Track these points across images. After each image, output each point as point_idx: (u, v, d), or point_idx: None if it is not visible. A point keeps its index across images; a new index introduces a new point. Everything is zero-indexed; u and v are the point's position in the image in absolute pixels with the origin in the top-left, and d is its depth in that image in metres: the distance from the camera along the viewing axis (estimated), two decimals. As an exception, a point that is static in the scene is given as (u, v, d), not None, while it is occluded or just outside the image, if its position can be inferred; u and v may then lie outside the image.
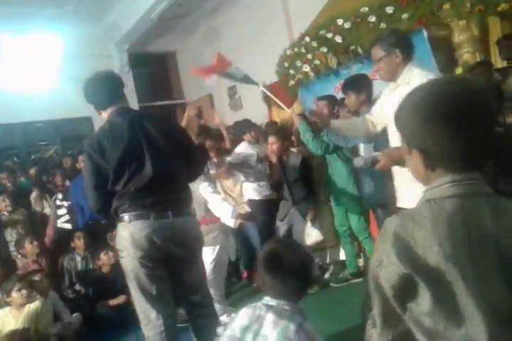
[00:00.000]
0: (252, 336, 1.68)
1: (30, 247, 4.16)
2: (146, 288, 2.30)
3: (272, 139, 4.24)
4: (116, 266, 4.23)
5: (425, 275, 0.93)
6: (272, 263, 1.72)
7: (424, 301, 0.95)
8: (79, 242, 4.41)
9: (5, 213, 4.59)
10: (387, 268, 0.97)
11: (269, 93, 4.02)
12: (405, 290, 0.96)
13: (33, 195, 5.12)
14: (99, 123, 8.92)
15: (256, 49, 7.06)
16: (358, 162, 2.92)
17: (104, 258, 4.14)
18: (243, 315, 1.75)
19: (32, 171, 5.62)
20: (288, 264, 1.68)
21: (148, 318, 2.32)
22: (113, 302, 3.98)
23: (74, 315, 3.77)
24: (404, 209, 1.60)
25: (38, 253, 4.19)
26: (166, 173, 2.32)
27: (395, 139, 2.42)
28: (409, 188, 2.19)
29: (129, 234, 2.26)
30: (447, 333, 0.94)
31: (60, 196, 4.93)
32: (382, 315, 1.02)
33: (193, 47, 9.03)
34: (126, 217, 2.28)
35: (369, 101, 3.43)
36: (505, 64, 3.90)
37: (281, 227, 4.26)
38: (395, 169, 2.50)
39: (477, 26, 3.85)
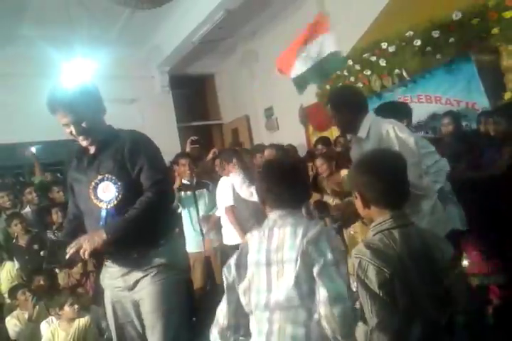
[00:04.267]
0: (264, 255, 1.67)
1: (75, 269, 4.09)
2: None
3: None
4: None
5: (394, 270, 1.42)
6: (273, 171, 1.80)
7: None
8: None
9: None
10: (373, 273, 1.42)
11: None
12: (390, 285, 1.41)
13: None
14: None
15: (294, 71, 7.14)
16: None
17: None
18: (250, 238, 1.75)
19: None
20: (287, 170, 1.77)
21: None
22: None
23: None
24: None
25: (82, 273, 4.17)
26: None
27: None
28: None
29: None
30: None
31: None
32: (374, 307, 1.42)
33: (231, 69, 9.23)
34: None
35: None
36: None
37: None
38: None
39: (527, 51, 3.83)
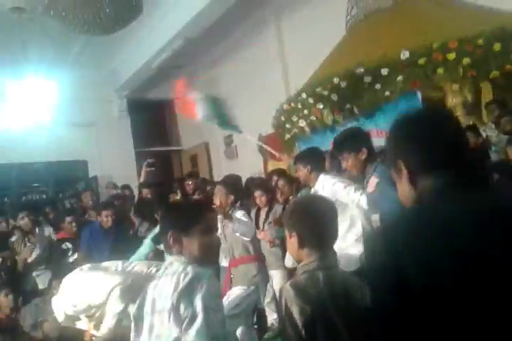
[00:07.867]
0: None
1: (5, 300, 3.78)
2: None
3: (257, 193, 4.25)
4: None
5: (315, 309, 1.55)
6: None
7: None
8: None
9: None
10: (296, 312, 1.53)
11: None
12: (312, 323, 1.54)
13: (14, 238, 4.95)
14: (95, 168, 8.82)
15: (253, 100, 7.21)
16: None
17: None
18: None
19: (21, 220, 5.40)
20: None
21: None
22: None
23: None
24: None
25: (12, 307, 3.76)
26: None
27: None
28: None
29: None
30: None
31: (69, 245, 4.66)
32: None
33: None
34: None
35: (371, 158, 2.77)
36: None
37: None
38: None
39: (470, 90, 3.96)
